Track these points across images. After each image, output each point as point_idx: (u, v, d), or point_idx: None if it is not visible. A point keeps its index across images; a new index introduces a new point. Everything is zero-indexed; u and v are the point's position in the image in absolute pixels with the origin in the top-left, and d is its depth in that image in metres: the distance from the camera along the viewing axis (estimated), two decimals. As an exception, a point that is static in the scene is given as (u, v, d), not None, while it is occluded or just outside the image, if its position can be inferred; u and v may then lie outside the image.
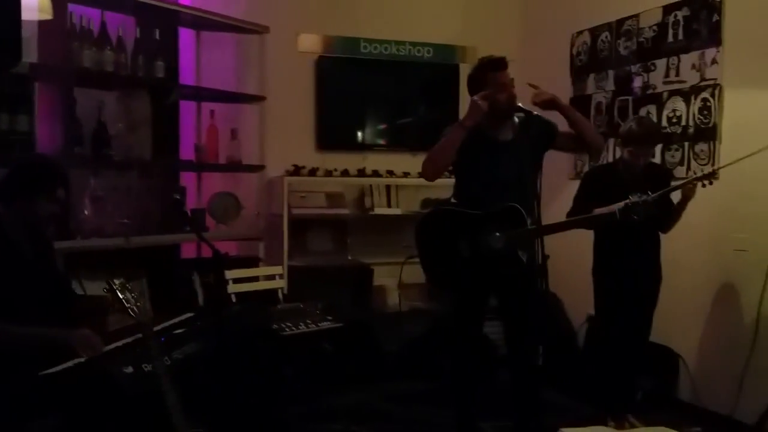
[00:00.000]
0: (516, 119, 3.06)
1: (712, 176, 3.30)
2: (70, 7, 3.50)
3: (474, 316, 3.22)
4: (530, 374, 3.11)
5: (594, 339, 4.18)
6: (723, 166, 3.47)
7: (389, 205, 4.92)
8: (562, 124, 3.20)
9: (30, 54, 3.35)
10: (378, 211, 4.86)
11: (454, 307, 3.26)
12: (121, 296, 2.12)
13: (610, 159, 4.35)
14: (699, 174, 3.38)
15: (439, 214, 3.24)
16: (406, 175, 4.84)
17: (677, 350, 3.91)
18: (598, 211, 3.31)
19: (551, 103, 3.09)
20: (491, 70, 3.03)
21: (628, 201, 3.15)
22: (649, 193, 3.17)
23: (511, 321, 3.20)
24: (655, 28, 4.16)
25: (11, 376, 2.25)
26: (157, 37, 3.85)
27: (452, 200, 3.21)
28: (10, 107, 3.22)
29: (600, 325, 3.65)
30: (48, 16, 3.41)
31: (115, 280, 2.14)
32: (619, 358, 3.49)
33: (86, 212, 3.51)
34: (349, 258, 4.81)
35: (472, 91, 3.11)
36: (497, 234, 2.98)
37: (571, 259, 3.84)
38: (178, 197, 2.94)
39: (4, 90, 3.23)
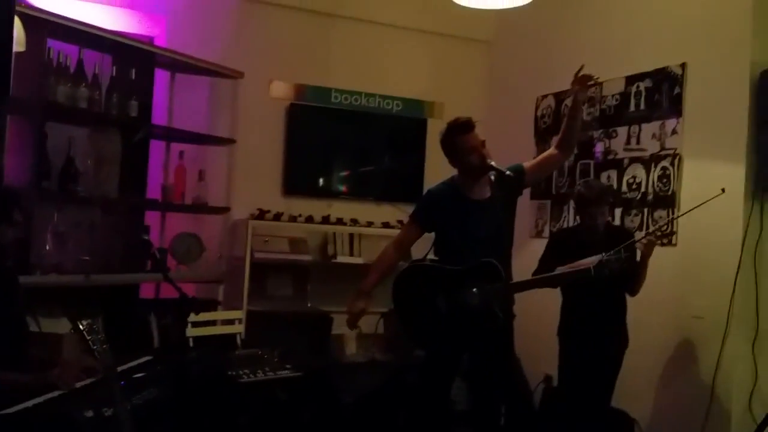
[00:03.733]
0: (492, 177, 3.13)
1: (668, 234, 3.40)
2: (50, 42, 3.51)
3: (447, 374, 3.24)
4: None
5: (551, 400, 4.19)
6: (675, 217, 3.57)
7: (352, 254, 4.95)
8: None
9: (2, 85, 3.35)
10: (341, 259, 4.89)
11: (427, 362, 3.26)
12: (87, 337, 2.10)
13: (572, 220, 4.48)
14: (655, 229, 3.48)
15: (417, 269, 3.24)
16: (370, 224, 4.91)
17: (633, 415, 3.90)
18: (561, 269, 3.35)
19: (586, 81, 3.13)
20: (459, 133, 3.11)
21: (602, 257, 3.17)
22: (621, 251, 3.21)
23: (481, 380, 3.22)
24: (617, 97, 4.32)
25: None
26: (133, 76, 3.88)
27: (433, 257, 3.26)
28: (-21, 138, 3.19)
29: (560, 386, 3.67)
30: (21, 48, 3.42)
31: (82, 321, 2.13)
32: (576, 421, 3.49)
33: (48, 247, 3.46)
34: (309, 305, 4.80)
35: (446, 153, 3.19)
36: (474, 290, 3.02)
37: (529, 318, 3.86)
38: (146, 238, 2.93)
39: (-27, 120, 3.20)
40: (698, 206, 3.34)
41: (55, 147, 3.59)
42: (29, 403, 2.11)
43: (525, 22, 4.93)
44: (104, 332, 3.62)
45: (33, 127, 3.46)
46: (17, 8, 3.31)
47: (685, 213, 3.52)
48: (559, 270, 3.38)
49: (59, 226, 3.58)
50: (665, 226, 3.52)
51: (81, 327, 2.10)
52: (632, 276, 3.44)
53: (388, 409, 4.22)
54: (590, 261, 3.29)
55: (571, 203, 4.49)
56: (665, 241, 3.40)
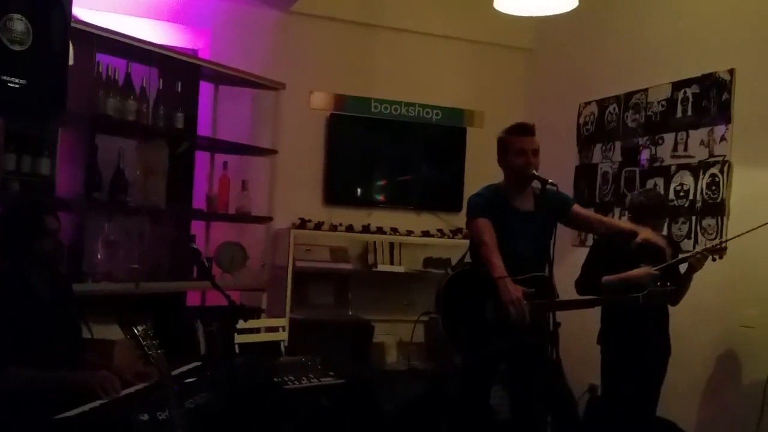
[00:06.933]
0: (536, 191, 3.14)
1: (721, 250, 3.32)
2: (98, 56, 3.61)
3: (484, 381, 3.25)
4: None
5: (596, 410, 4.13)
6: (732, 238, 3.47)
7: (392, 263, 4.98)
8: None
9: (55, 99, 3.45)
10: (381, 267, 4.92)
11: (465, 369, 3.26)
12: (143, 343, 2.16)
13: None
14: (707, 246, 3.42)
15: (470, 274, 3.18)
16: (409, 233, 4.93)
17: (682, 426, 3.80)
18: (608, 278, 3.34)
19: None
20: (515, 133, 3.15)
21: (650, 288, 3.17)
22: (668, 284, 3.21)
23: (520, 388, 3.22)
24: (663, 103, 4.25)
25: (25, 420, 2.27)
26: (179, 89, 3.97)
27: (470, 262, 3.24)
28: (34, 150, 3.30)
29: (605, 396, 3.63)
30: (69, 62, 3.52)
31: (138, 327, 2.18)
32: (622, 431, 3.45)
33: (99, 256, 3.55)
34: (350, 313, 4.84)
35: (498, 152, 3.21)
36: (524, 302, 2.98)
37: (573, 325, 3.82)
38: (195, 246, 2.98)
39: (28, 133, 3.30)
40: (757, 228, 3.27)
41: (105, 158, 3.68)
42: (86, 407, 2.17)
43: (566, 29, 4.90)
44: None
45: (84, 139, 3.55)
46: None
47: (741, 234, 3.35)
48: (606, 279, 3.35)
49: (110, 236, 3.66)
50: (723, 243, 3.39)
51: (137, 332, 2.16)
52: (675, 287, 3.38)
53: (429, 418, 4.21)
54: (639, 273, 3.26)
55: (617, 212, 4.44)
56: (717, 256, 3.32)
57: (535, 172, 3.06)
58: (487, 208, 3.13)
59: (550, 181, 3.01)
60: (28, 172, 3.27)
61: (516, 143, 3.11)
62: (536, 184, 3.11)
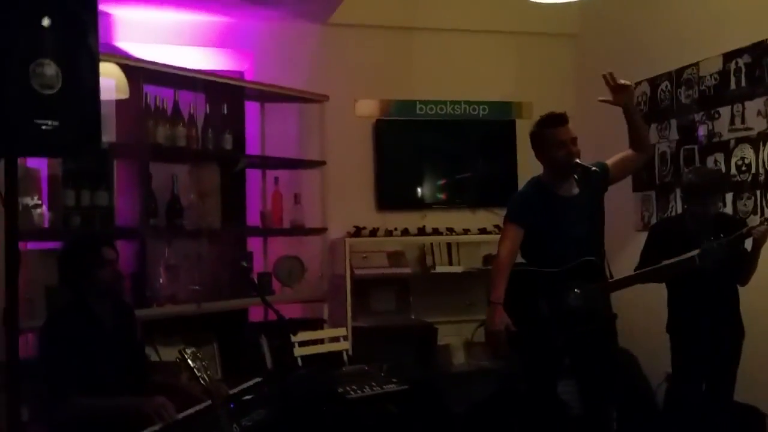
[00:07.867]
0: (576, 175, 3.07)
1: None
2: (146, 87, 3.74)
3: (550, 376, 3.19)
4: None
5: (674, 399, 3.95)
6: None
7: (450, 263, 4.93)
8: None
9: (109, 132, 3.59)
10: (439, 269, 4.89)
11: (528, 367, 3.22)
12: (192, 365, 2.21)
13: (679, 210, 4.26)
14: None
15: (514, 275, 3.12)
16: (466, 231, 4.88)
17: (764, 410, 3.68)
18: (666, 263, 3.22)
19: (622, 92, 3.09)
20: (549, 126, 3.07)
21: (704, 245, 3.07)
22: (722, 236, 3.11)
23: (586, 381, 3.16)
24: (716, 76, 4.11)
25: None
26: (225, 111, 4.07)
27: (521, 259, 3.19)
28: (91, 183, 3.44)
29: (679, 385, 3.50)
30: (124, 95, 3.67)
31: (186, 350, 2.24)
32: (701, 420, 3.32)
33: (161, 280, 3.67)
34: (413, 317, 4.83)
35: (535, 147, 3.15)
36: (576, 291, 2.97)
37: (646, 315, 3.73)
38: (245, 264, 3.05)
39: (86, 167, 3.45)
40: None
41: (160, 185, 3.81)
42: (149, 430, 2.24)
43: (611, 10, 4.77)
44: (219, 357, 3.84)
45: (138, 168, 3.70)
46: (116, 59, 3.57)
47: None
48: (666, 264, 3.24)
49: (170, 260, 3.79)
50: None
51: (185, 355, 2.21)
52: (742, 265, 3.25)
53: (500, 418, 4.16)
54: (696, 253, 3.15)
55: (678, 192, 4.28)
56: None
57: (578, 161, 2.99)
58: (525, 211, 3.11)
59: (593, 168, 2.94)
60: (87, 205, 3.41)
61: (555, 135, 3.04)
62: None
